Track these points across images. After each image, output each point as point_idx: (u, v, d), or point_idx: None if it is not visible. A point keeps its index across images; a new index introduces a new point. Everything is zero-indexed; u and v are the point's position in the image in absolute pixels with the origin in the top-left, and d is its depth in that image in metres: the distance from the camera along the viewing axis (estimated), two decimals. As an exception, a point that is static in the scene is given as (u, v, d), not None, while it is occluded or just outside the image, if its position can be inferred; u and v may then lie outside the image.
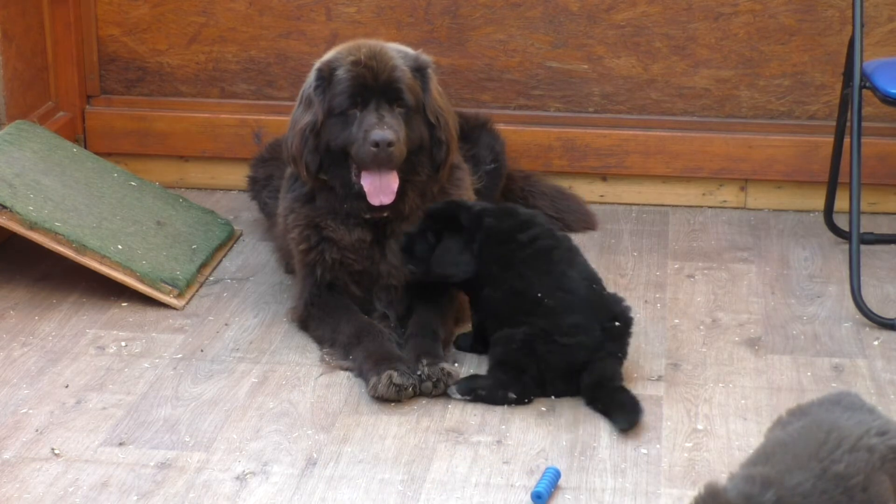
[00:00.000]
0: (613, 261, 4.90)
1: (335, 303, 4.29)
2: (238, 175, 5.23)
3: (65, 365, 4.15)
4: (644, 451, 3.69)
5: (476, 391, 3.92)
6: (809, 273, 4.80)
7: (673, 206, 5.38)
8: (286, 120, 4.43)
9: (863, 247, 4.64)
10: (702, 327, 4.40)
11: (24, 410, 3.89)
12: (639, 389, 3.95)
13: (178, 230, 4.84)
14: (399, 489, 3.52)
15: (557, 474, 3.53)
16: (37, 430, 3.78)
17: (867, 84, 4.50)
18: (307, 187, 4.35)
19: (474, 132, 4.97)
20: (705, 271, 4.82)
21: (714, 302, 4.58)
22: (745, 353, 4.24)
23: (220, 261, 4.87)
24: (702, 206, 5.37)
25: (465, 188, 4.49)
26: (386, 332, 4.18)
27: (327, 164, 4.27)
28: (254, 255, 4.94)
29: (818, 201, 5.13)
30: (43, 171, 4.73)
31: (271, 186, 4.85)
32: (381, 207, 4.19)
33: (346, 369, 4.10)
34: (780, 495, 2.74)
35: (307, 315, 4.32)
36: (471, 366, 4.14)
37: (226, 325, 4.41)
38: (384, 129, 4.12)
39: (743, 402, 3.94)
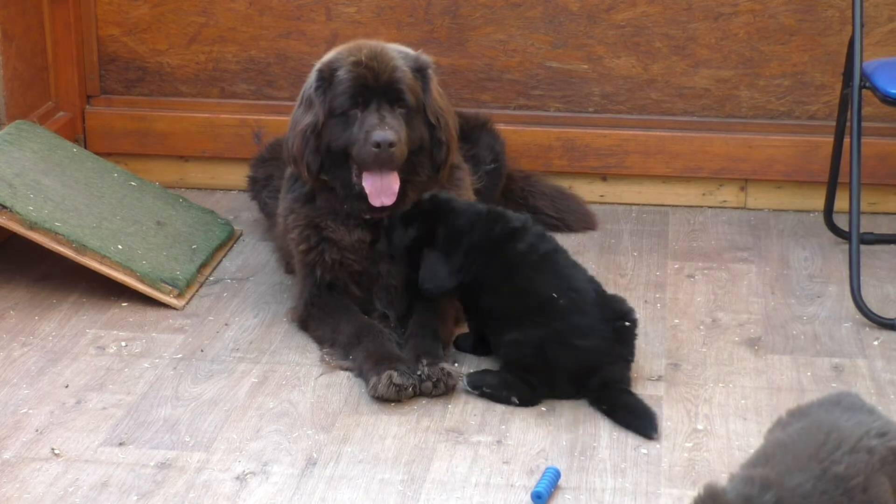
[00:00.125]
0: (613, 261, 4.90)
1: (335, 303, 4.29)
2: (238, 175, 5.24)
3: (65, 365, 4.15)
4: (644, 451, 3.69)
5: (482, 388, 3.92)
6: (809, 273, 4.80)
7: (673, 206, 5.38)
8: (286, 120, 4.43)
9: (863, 247, 4.64)
10: (702, 327, 4.40)
11: (24, 410, 3.89)
12: (639, 389, 3.95)
13: (178, 230, 4.84)
14: (399, 489, 3.52)
15: (557, 474, 3.53)
16: (37, 430, 3.78)
17: (867, 84, 4.50)
18: (307, 187, 4.35)
19: (474, 132, 4.97)
20: (705, 271, 4.82)
21: (714, 302, 4.58)
22: (745, 353, 4.24)
23: (220, 261, 4.87)
24: (702, 206, 5.38)
25: (466, 188, 4.49)
26: (386, 332, 4.18)
27: (328, 165, 4.27)
28: (254, 255, 4.94)
29: (818, 201, 5.13)
30: (43, 171, 4.74)
31: (271, 186, 4.85)
32: (382, 208, 4.19)
33: (346, 369, 4.10)
34: (779, 496, 2.74)
35: (307, 315, 4.32)
36: (470, 366, 4.14)
37: (226, 325, 4.41)
38: (385, 129, 4.12)
39: (743, 402, 3.94)
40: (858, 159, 4.48)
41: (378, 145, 4.10)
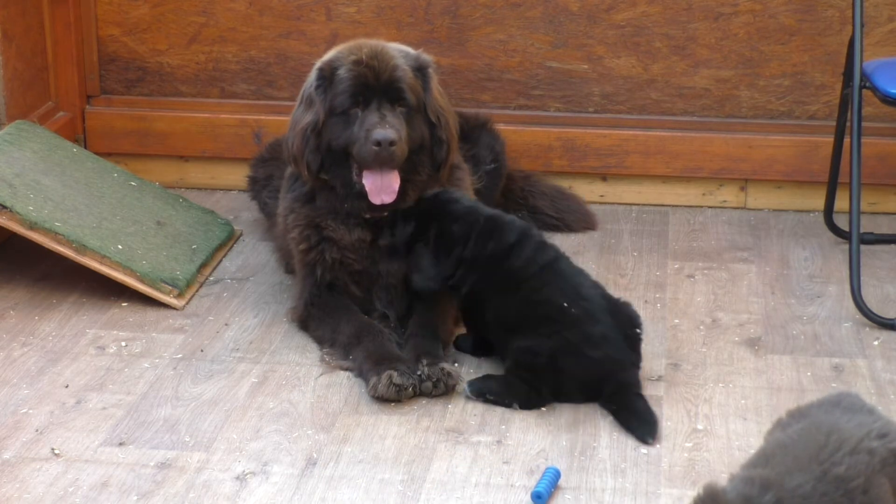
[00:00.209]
0: (613, 261, 4.90)
1: (335, 303, 4.29)
2: (238, 175, 5.23)
3: (65, 365, 4.15)
4: (644, 451, 3.69)
5: (486, 395, 3.91)
6: (809, 273, 4.80)
7: (673, 206, 5.38)
8: (286, 120, 4.42)
9: (863, 247, 4.64)
10: (702, 327, 4.40)
11: (24, 410, 3.89)
12: (639, 389, 3.96)
13: (178, 230, 4.84)
14: (399, 489, 3.52)
15: (557, 474, 3.53)
16: (37, 430, 3.78)
17: (867, 84, 4.50)
18: (307, 187, 4.35)
19: (474, 132, 4.97)
20: (705, 271, 4.82)
21: (714, 302, 4.58)
22: (745, 353, 4.24)
23: (220, 261, 4.87)
24: (702, 206, 5.37)
25: (466, 188, 4.49)
26: (386, 332, 4.18)
27: (328, 164, 4.27)
28: (254, 255, 4.94)
29: (818, 201, 5.13)
30: (43, 171, 4.73)
31: (271, 186, 4.85)
32: (382, 207, 4.19)
33: (346, 369, 4.10)
34: (779, 497, 2.74)
35: (307, 315, 4.32)
36: (470, 366, 4.14)
37: (226, 325, 4.41)
38: (386, 128, 4.12)
39: (743, 402, 3.94)
40: (858, 159, 4.48)
41: (378, 144, 4.10)
